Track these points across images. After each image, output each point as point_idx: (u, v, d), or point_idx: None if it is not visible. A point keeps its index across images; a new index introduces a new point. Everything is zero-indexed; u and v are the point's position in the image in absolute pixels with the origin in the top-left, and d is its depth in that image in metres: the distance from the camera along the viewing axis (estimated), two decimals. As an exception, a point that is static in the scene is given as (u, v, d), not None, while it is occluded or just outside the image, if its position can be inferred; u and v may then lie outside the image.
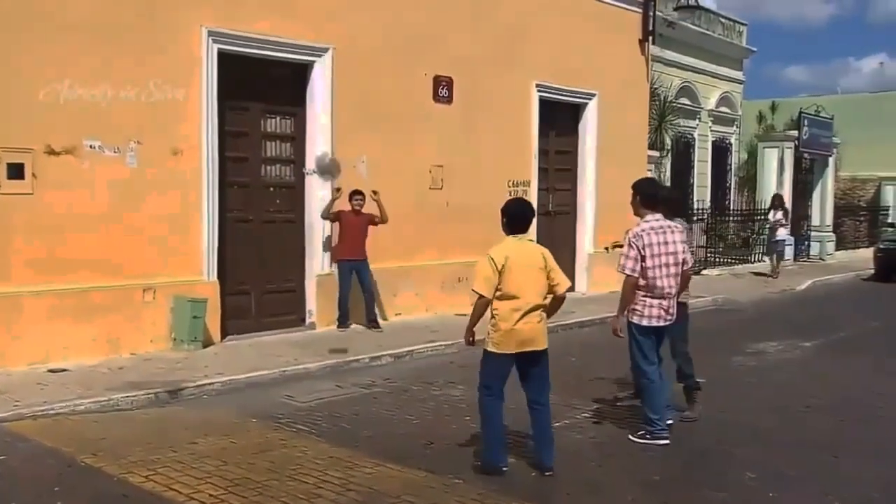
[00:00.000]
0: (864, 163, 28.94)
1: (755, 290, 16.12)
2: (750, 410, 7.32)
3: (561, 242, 13.34)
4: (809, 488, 5.46)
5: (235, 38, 9.44)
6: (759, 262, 19.93)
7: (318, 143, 10.41)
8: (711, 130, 22.90)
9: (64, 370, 7.91)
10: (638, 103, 15.51)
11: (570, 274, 12.42)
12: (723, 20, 23.20)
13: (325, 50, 10.32)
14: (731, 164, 24.10)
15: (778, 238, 18.07)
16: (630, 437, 6.33)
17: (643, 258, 6.14)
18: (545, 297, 5.51)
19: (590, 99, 14.36)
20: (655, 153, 17.65)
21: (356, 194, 10.36)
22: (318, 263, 10.53)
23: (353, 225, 10.33)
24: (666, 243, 6.20)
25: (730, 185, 23.98)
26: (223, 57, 9.37)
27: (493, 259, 5.37)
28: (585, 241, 14.51)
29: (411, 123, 11.40)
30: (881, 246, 19.48)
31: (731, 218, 21.65)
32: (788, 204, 19.81)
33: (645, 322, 6.25)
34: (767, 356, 9.93)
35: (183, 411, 7.12)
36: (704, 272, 17.29)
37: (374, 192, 10.47)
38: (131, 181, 8.71)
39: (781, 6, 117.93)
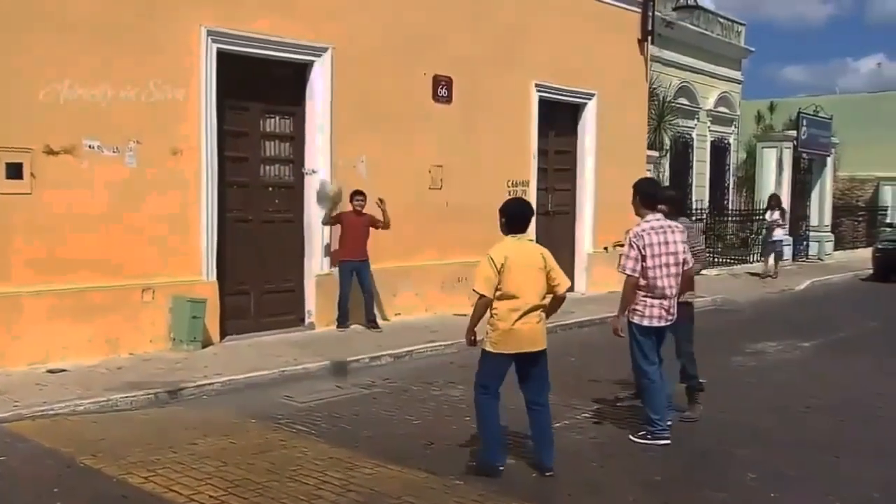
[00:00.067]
0: (862, 163, 28.99)
1: (754, 291, 16.13)
2: (750, 411, 7.32)
3: (560, 242, 13.33)
4: (810, 488, 5.46)
5: (235, 37, 9.43)
6: (758, 262, 19.94)
7: (317, 142, 10.40)
8: (710, 130, 22.90)
9: (63, 370, 7.90)
10: (637, 103, 15.51)
11: (570, 274, 12.40)
12: (721, 20, 23.20)
13: (325, 50, 10.31)
14: (729, 164, 24.09)
15: (775, 238, 18.01)
16: (631, 437, 6.34)
17: (644, 258, 6.14)
18: (544, 298, 5.49)
19: (589, 99, 14.36)
20: (654, 153, 17.66)
21: (357, 195, 10.32)
22: (317, 263, 10.52)
23: (354, 226, 10.29)
24: (666, 243, 6.20)
25: (728, 185, 23.97)
26: (223, 56, 9.37)
27: (492, 259, 5.35)
28: (585, 241, 14.51)
29: (411, 123, 11.39)
30: (879, 246, 19.51)
31: (730, 218, 21.65)
32: (787, 204, 19.82)
33: (645, 322, 6.25)
34: (767, 356, 9.94)
35: (182, 412, 7.11)
36: (703, 272, 17.24)
37: (381, 201, 10.38)
38: (131, 181, 8.70)
39: (780, 6, 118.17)
